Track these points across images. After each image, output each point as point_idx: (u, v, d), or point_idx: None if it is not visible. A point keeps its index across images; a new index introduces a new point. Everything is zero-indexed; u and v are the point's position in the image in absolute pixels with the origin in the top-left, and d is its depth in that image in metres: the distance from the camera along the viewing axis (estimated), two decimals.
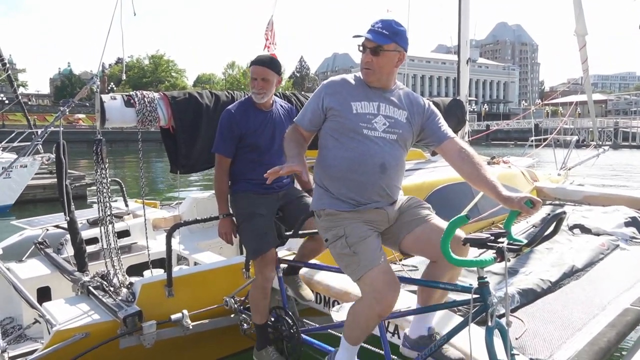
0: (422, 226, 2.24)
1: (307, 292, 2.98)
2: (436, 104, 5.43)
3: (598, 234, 4.35)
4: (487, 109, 76.09)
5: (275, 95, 3.10)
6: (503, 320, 1.87)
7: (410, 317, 2.38)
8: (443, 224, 2.22)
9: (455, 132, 5.99)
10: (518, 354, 2.04)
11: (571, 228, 4.53)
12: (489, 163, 5.81)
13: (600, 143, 9.76)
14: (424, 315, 2.32)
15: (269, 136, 2.89)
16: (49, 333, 2.67)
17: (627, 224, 4.52)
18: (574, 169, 8.32)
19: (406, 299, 2.42)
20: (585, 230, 4.48)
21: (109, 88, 40.99)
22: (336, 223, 2.21)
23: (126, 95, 3.41)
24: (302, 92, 4.49)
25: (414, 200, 2.38)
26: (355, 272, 2.11)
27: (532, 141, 9.32)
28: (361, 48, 2.23)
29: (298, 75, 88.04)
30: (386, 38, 2.16)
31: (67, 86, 67.30)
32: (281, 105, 3.05)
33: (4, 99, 29.03)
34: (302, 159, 2.17)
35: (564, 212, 1.85)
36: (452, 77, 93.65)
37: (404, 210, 2.33)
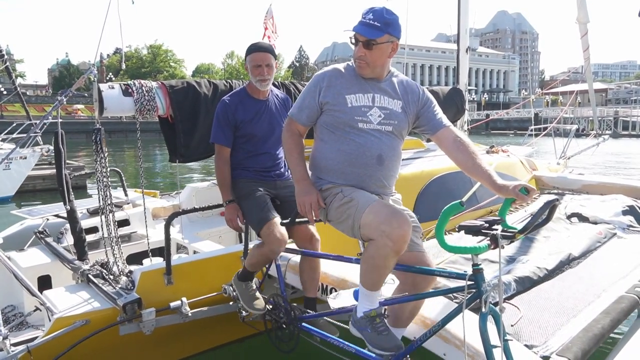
0: (411, 254, 2.21)
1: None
2: (435, 93, 5.42)
3: (595, 223, 4.38)
4: (486, 98, 75.79)
5: (273, 84, 3.10)
6: (497, 307, 1.89)
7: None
8: (429, 261, 2.27)
9: (455, 121, 6.00)
10: (512, 340, 2.06)
11: (569, 217, 4.55)
12: (487, 152, 5.81)
13: (600, 132, 9.72)
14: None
15: (265, 125, 2.89)
16: (50, 320, 2.70)
17: (624, 213, 4.53)
18: (574, 158, 8.31)
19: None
20: (582, 218, 4.50)
21: (107, 78, 40.85)
22: (333, 189, 2.25)
23: (124, 85, 3.41)
24: (301, 82, 4.48)
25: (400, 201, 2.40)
26: (357, 214, 2.09)
27: (531, 130, 9.31)
28: (353, 40, 2.21)
29: (297, 64, 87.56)
30: (378, 30, 2.13)
31: (65, 76, 66.88)
32: (277, 95, 3.05)
33: (2, 89, 28.93)
34: (313, 184, 2.25)
35: (557, 200, 1.86)
36: (452, 66, 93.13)
37: None
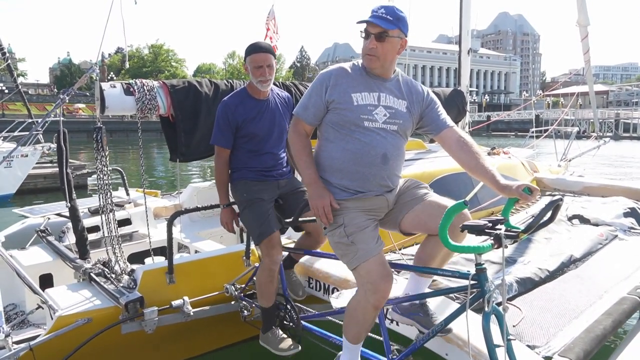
0: (422, 203, 2.27)
1: (300, 290, 3.04)
2: (436, 94, 5.41)
3: (597, 225, 4.38)
4: (487, 99, 75.92)
5: (275, 84, 3.10)
6: (500, 307, 1.89)
7: (404, 282, 2.42)
8: (442, 200, 2.26)
9: (456, 122, 5.99)
10: (514, 339, 2.06)
11: (570, 218, 4.55)
12: (489, 154, 5.82)
13: (601, 134, 9.72)
14: (417, 281, 2.34)
15: (266, 125, 2.89)
16: (52, 318, 2.70)
17: (626, 215, 4.54)
18: (575, 160, 8.32)
19: (404, 286, 2.45)
20: (584, 220, 4.50)
21: (109, 77, 40.88)
22: (335, 212, 2.22)
23: (125, 84, 3.41)
24: (302, 82, 4.48)
25: (411, 182, 2.40)
26: (352, 261, 2.15)
27: (532, 132, 9.31)
28: (364, 34, 2.20)
29: (299, 65, 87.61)
30: (391, 23, 2.14)
31: (66, 75, 66.97)
32: (278, 94, 3.04)
33: (4, 88, 28.93)
34: (325, 187, 2.24)
35: (561, 199, 1.87)
36: (452, 67, 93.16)
37: (403, 192, 2.35)
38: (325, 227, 2.26)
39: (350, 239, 2.15)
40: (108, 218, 3.20)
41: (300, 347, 2.75)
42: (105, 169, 3.15)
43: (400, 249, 3.43)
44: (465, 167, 2.23)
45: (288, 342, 2.78)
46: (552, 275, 3.21)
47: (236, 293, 3.07)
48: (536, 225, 1.82)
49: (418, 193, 2.32)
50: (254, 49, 2.83)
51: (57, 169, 3.32)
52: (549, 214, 1.85)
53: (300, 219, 2.59)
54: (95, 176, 3.20)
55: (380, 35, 2.15)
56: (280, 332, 2.84)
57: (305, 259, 3.15)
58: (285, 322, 2.86)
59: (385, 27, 2.13)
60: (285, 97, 3.07)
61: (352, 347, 2.27)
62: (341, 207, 2.21)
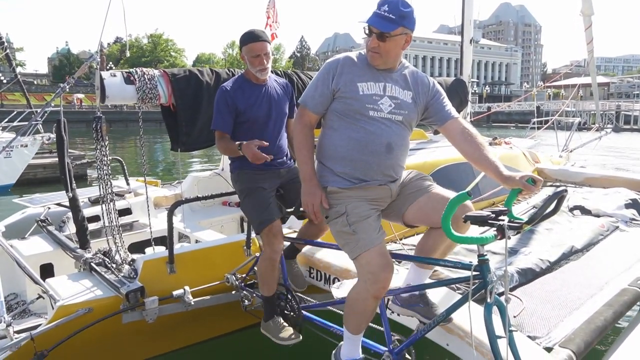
0: (426, 195, 2.26)
1: (301, 282, 3.03)
2: (439, 84, 5.38)
3: (598, 216, 4.37)
4: (488, 90, 75.65)
5: (276, 73, 3.08)
6: (502, 298, 1.89)
7: (405, 272, 2.43)
8: (446, 192, 2.25)
9: (458, 112, 5.96)
10: (516, 330, 2.06)
11: (571, 209, 4.54)
12: (490, 144, 5.79)
13: (602, 126, 9.68)
14: (418, 272, 2.34)
15: (265, 110, 2.88)
16: (53, 308, 2.70)
17: (627, 206, 4.53)
18: (576, 152, 8.31)
19: (405, 276, 2.44)
20: (585, 211, 4.50)
21: (108, 67, 40.59)
22: (338, 201, 2.21)
23: (126, 72, 3.38)
24: (304, 72, 4.44)
25: (415, 173, 2.39)
26: (353, 250, 2.14)
27: (534, 123, 9.28)
28: (367, 32, 2.19)
29: (299, 55, 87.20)
30: (392, 23, 2.11)
31: (65, 65, 66.68)
32: (275, 80, 3.03)
33: (2, 78, 28.82)
34: (319, 185, 2.25)
35: (566, 190, 1.85)
36: (454, 58, 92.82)
37: (406, 184, 2.34)
38: (327, 217, 2.25)
39: (352, 228, 2.14)
40: (108, 208, 3.19)
41: (301, 337, 2.76)
42: (105, 158, 3.14)
43: (401, 239, 3.42)
44: (469, 158, 2.22)
45: (289, 332, 2.78)
46: (553, 266, 3.21)
47: (237, 283, 3.08)
48: (540, 216, 1.81)
49: (422, 185, 2.31)
50: (250, 38, 2.80)
51: (57, 159, 3.30)
52: (553, 205, 1.83)
53: (301, 209, 2.58)
54: (96, 167, 3.18)
55: (381, 36, 2.13)
56: (282, 320, 2.84)
57: (306, 248, 3.15)
58: (286, 311, 2.86)
59: (386, 29, 2.11)
60: (283, 83, 3.06)
61: (353, 337, 2.27)
62: (344, 196, 2.21)
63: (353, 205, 2.18)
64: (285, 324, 2.83)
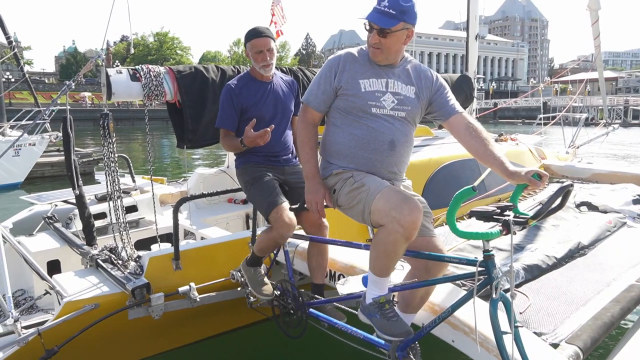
0: (422, 239, 2.19)
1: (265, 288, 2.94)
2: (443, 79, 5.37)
3: (605, 212, 4.34)
4: (495, 86, 75.18)
5: (281, 70, 3.08)
6: (508, 294, 1.88)
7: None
8: (441, 246, 2.23)
9: (463, 108, 5.93)
10: (522, 326, 2.05)
11: (578, 205, 4.51)
12: (496, 140, 5.77)
13: (610, 121, 9.60)
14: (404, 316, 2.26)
15: (271, 108, 2.88)
16: (60, 304, 2.72)
17: (635, 202, 4.50)
18: (583, 147, 8.24)
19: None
20: (592, 207, 4.47)
21: (114, 65, 40.80)
22: (344, 176, 2.23)
23: (132, 69, 3.39)
24: (309, 68, 4.44)
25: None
26: (368, 199, 2.07)
27: (540, 119, 9.22)
28: (367, 27, 2.17)
29: (304, 52, 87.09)
30: (393, 19, 2.09)
31: (72, 64, 67.14)
32: (281, 77, 3.04)
33: (10, 77, 29.05)
34: (322, 183, 2.25)
35: (571, 185, 1.84)
36: (459, 54, 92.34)
37: None
38: (335, 190, 2.25)
39: (360, 182, 2.14)
40: (115, 205, 3.21)
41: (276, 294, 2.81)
42: (112, 155, 3.15)
43: None
44: (474, 154, 2.20)
45: (268, 288, 2.81)
46: (560, 263, 3.19)
47: (242, 279, 3.08)
48: (546, 211, 1.80)
49: (423, 224, 2.16)
50: (253, 34, 2.82)
51: (64, 157, 3.33)
52: (558, 200, 1.82)
53: (306, 205, 2.58)
54: (102, 165, 3.20)
55: (381, 31, 2.12)
56: (263, 273, 2.87)
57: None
58: (290, 308, 2.86)
59: (386, 25, 2.09)
60: (289, 81, 3.06)
61: (381, 280, 2.13)
62: (349, 170, 2.23)
63: (358, 172, 2.21)
64: (266, 280, 2.85)
